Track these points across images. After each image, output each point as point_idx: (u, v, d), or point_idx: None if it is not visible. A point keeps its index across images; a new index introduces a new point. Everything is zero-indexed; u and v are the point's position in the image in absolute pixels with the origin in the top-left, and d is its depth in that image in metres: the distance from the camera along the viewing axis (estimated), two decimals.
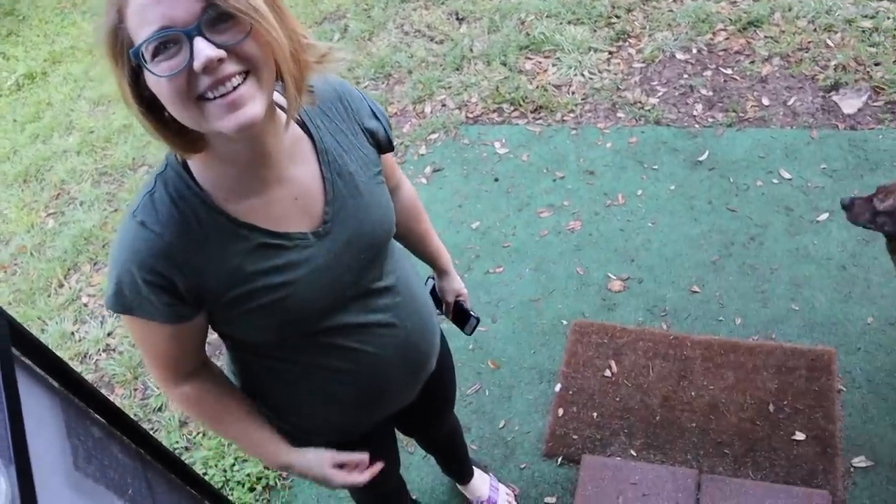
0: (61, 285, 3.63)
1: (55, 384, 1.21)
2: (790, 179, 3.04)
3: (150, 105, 0.92)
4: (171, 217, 1.00)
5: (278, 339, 1.16)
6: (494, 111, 3.83)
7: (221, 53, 0.85)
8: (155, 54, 0.85)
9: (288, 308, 1.09)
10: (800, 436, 2.26)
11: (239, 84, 0.88)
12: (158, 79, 0.86)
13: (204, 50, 0.83)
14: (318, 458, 1.28)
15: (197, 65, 0.84)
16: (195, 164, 1.02)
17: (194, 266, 1.02)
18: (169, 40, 0.84)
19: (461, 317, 1.76)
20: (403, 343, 1.29)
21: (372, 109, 1.22)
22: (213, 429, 1.31)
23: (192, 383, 1.19)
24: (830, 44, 3.58)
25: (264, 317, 1.09)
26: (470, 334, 1.79)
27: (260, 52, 0.89)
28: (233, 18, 0.86)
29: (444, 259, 1.68)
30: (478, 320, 1.77)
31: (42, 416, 1.12)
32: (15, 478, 0.87)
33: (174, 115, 0.91)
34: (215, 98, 0.88)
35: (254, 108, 0.89)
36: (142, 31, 0.84)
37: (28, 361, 1.16)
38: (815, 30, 3.69)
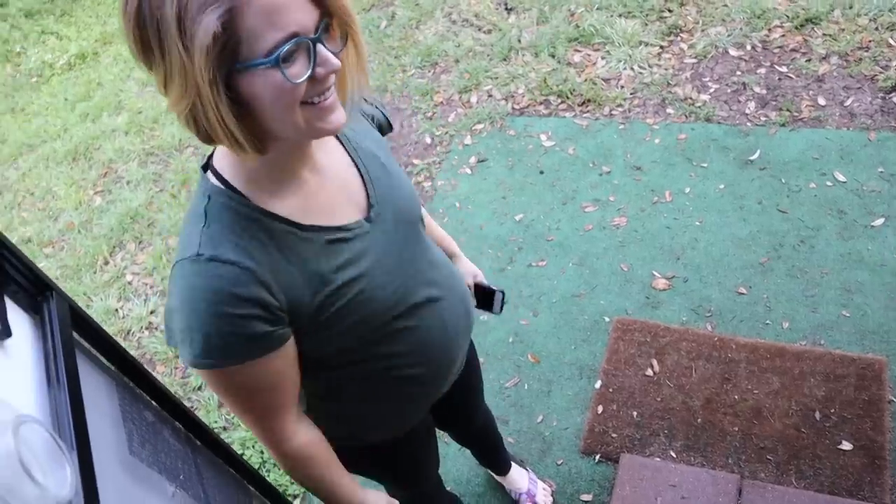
0: (107, 262, 3.69)
1: (111, 367, 1.21)
2: (845, 182, 2.95)
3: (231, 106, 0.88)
4: (240, 241, 0.95)
5: (356, 340, 1.12)
6: (541, 103, 3.79)
7: (339, 63, 0.88)
8: (284, 59, 0.84)
9: (367, 301, 1.07)
10: (846, 446, 2.20)
11: (330, 87, 0.91)
12: (284, 82, 0.84)
13: (330, 59, 0.86)
14: (380, 497, 1.33)
15: (322, 72, 0.87)
16: (238, 180, 0.99)
17: (280, 282, 0.98)
18: (300, 46, 0.85)
19: (486, 297, 1.68)
20: (451, 313, 1.28)
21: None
22: (319, 484, 1.22)
23: (304, 430, 1.14)
24: (892, 43, 3.46)
25: (348, 315, 1.06)
26: (500, 312, 1.70)
27: (348, 60, 0.93)
28: (332, 26, 0.88)
29: (450, 242, 1.65)
30: (503, 294, 1.68)
31: (99, 399, 1.13)
32: (77, 463, 0.87)
33: (275, 118, 0.89)
34: (317, 103, 0.90)
35: (341, 111, 0.93)
36: (270, 34, 0.82)
37: (86, 344, 1.17)
38: (876, 28, 3.57)
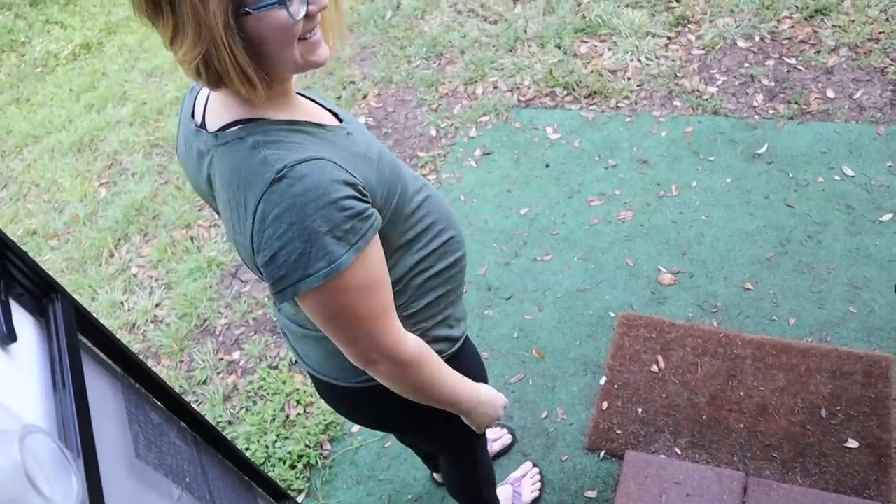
0: (112, 255, 3.69)
1: (116, 368, 1.21)
2: (853, 176, 2.93)
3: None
4: (298, 145, 1.01)
5: (406, 219, 1.18)
6: (547, 95, 3.76)
7: (327, 1, 0.99)
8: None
9: (398, 175, 1.15)
10: (853, 443, 2.19)
11: (318, 24, 1.02)
12: (288, 20, 0.93)
13: None
14: (489, 388, 1.38)
15: (315, 9, 0.97)
16: (252, 116, 1.05)
17: (346, 165, 1.02)
18: None
19: None
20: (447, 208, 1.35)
21: None
22: (438, 381, 1.22)
23: (406, 330, 1.15)
24: None
25: (393, 190, 1.13)
26: None
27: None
28: None
29: None
30: None
31: (105, 402, 1.12)
32: (83, 472, 0.87)
33: (277, 54, 0.97)
34: (308, 38, 1.00)
35: (325, 47, 1.05)
36: None
37: (91, 345, 1.17)
38: (887, 20, 3.53)
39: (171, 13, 0.91)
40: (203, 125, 1.08)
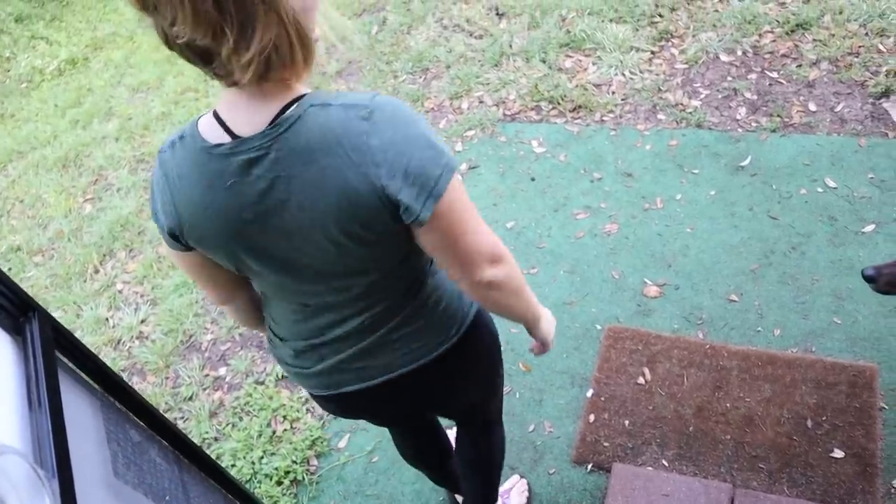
0: (97, 271, 3.67)
1: (96, 386, 1.20)
2: (835, 188, 2.96)
3: None
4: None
5: None
6: (532, 109, 3.78)
7: None
8: None
9: None
10: (838, 453, 2.20)
11: None
12: None
13: None
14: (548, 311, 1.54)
15: None
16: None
17: None
18: None
19: None
20: None
21: None
22: (526, 289, 1.34)
23: None
24: (882, 49, 3.48)
25: None
26: None
27: None
28: None
29: None
30: None
31: (83, 421, 1.11)
32: (58, 492, 0.85)
33: (313, 20, 1.00)
34: None
35: None
36: None
37: (70, 364, 1.15)
38: (866, 34, 3.58)
39: (238, 10, 0.88)
40: (237, 136, 1.04)
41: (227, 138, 1.03)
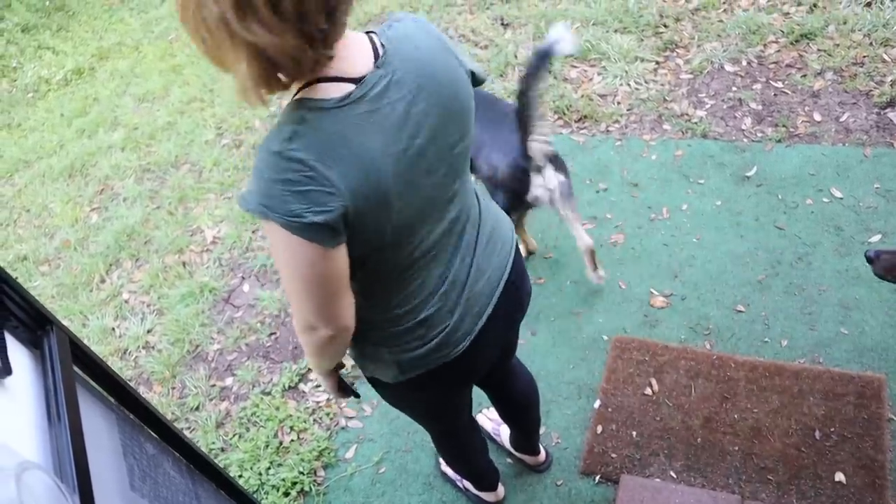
0: (103, 281, 3.68)
1: (111, 399, 1.20)
2: (841, 198, 2.96)
3: None
4: None
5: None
6: None
7: None
8: None
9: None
10: (847, 465, 2.19)
11: None
12: None
13: None
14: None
15: None
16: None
17: None
18: None
19: None
20: None
21: None
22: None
23: None
24: (887, 58, 3.49)
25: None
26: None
27: None
28: None
29: None
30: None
31: (100, 434, 1.12)
32: None
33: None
34: None
35: None
36: None
37: (85, 376, 1.16)
38: (870, 44, 3.59)
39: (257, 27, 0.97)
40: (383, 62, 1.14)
41: (350, 87, 1.09)
